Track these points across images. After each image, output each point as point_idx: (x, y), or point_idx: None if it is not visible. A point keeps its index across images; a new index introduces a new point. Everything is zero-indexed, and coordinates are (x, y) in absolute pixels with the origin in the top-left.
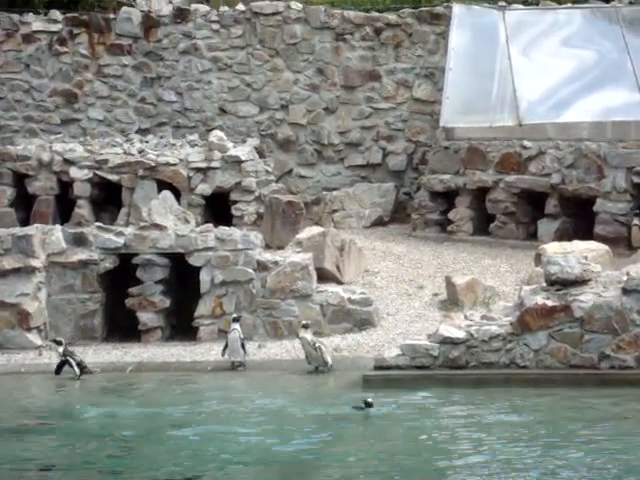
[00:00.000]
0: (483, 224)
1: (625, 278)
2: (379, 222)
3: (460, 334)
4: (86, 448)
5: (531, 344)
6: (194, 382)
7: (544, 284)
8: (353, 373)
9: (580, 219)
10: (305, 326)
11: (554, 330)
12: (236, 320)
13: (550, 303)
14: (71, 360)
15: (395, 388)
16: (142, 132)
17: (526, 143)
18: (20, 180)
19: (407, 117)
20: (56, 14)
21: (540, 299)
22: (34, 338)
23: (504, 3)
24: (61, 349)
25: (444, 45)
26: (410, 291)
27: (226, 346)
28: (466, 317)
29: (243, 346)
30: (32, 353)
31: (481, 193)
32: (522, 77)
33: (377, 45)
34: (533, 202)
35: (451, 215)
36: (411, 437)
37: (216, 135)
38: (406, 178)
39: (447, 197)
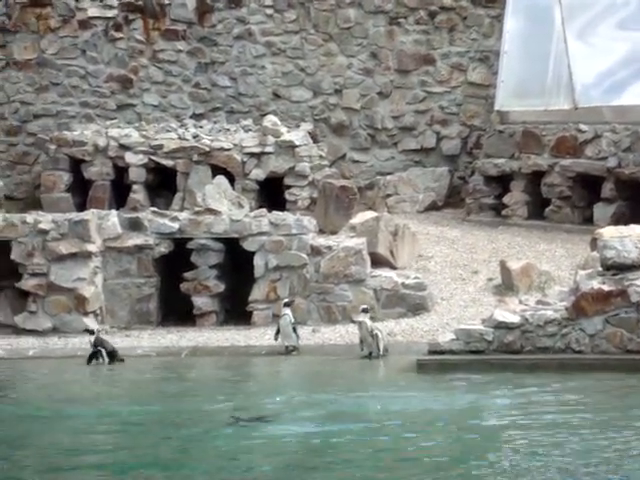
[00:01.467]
0: (538, 208)
1: None
2: (433, 207)
3: (515, 319)
4: None
5: (587, 329)
6: (246, 366)
7: (600, 269)
8: (407, 358)
9: (637, 203)
10: (365, 310)
11: (610, 315)
12: (287, 305)
13: (606, 288)
14: (102, 349)
15: (449, 372)
16: (196, 117)
17: (582, 126)
18: (76, 165)
19: (461, 101)
20: (112, 0)
21: (596, 284)
22: (90, 322)
23: None
24: (93, 338)
25: (499, 28)
26: (464, 276)
27: (278, 331)
28: (521, 302)
29: (295, 330)
30: (88, 337)
31: (536, 177)
32: (578, 60)
33: (431, 29)
34: (589, 186)
35: (506, 199)
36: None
37: (270, 120)
38: (460, 162)
39: (501, 181)
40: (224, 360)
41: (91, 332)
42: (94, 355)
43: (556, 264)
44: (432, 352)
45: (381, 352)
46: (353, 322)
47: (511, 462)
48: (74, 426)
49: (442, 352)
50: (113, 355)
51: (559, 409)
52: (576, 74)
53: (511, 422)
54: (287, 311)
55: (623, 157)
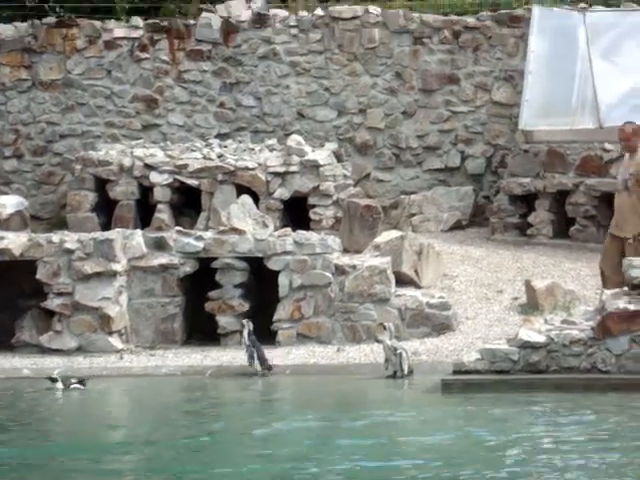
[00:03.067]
0: (563, 227)
1: None
2: (458, 226)
3: (540, 338)
4: None
5: (613, 349)
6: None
7: (626, 288)
8: (432, 378)
9: None
10: (384, 327)
11: (636, 335)
12: (247, 321)
13: (632, 307)
14: (75, 385)
15: (474, 392)
16: (221, 137)
17: (607, 146)
18: (102, 185)
19: (486, 120)
20: (137, 20)
21: (622, 303)
22: (115, 342)
23: (585, 5)
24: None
25: (523, 48)
26: (489, 295)
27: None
28: (546, 321)
29: (253, 350)
30: (113, 357)
31: (561, 196)
32: (603, 80)
33: (456, 48)
34: (614, 205)
35: (530, 218)
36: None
37: (294, 139)
38: (485, 181)
39: (526, 200)
40: (247, 380)
41: (53, 380)
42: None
43: (581, 283)
44: (457, 372)
45: (405, 372)
46: (377, 341)
47: None
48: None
49: (467, 372)
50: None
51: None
52: (601, 93)
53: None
54: (245, 329)
55: None
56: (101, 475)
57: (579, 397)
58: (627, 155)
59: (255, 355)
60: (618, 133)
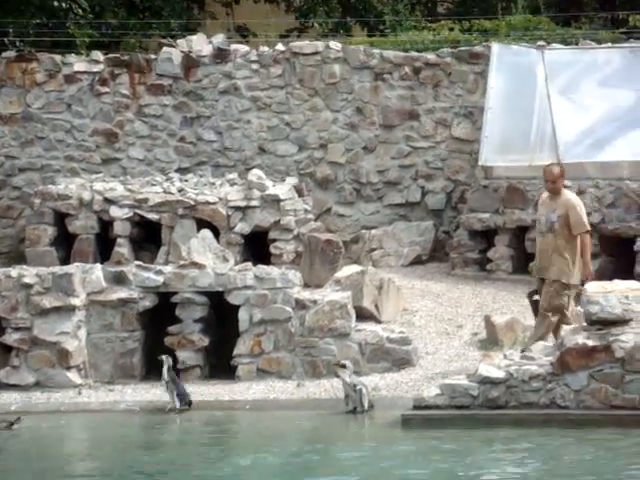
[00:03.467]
0: (522, 263)
1: None
2: (418, 261)
3: (500, 374)
4: None
5: (572, 384)
6: (230, 422)
7: (584, 324)
8: (392, 413)
9: (620, 258)
10: (343, 366)
11: (595, 370)
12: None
13: (591, 343)
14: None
15: (434, 428)
16: (182, 171)
17: (566, 182)
18: (61, 219)
19: (446, 156)
20: (98, 55)
21: (580, 339)
22: (74, 377)
23: (543, 43)
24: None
25: (483, 84)
26: (449, 330)
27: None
28: (505, 357)
29: (173, 386)
30: (72, 392)
31: (521, 232)
32: (561, 116)
33: (416, 84)
34: None
35: (490, 254)
36: None
37: (255, 174)
38: (445, 217)
39: (486, 236)
40: (207, 415)
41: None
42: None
43: None
44: (417, 407)
45: (365, 407)
46: (337, 376)
47: None
48: None
49: (427, 407)
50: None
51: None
52: (559, 130)
53: None
54: (165, 365)
55: (607, 213)
56: None
57: (536, 432)
58: (545, 195)
59: (175, 392)
60: (545, 174)
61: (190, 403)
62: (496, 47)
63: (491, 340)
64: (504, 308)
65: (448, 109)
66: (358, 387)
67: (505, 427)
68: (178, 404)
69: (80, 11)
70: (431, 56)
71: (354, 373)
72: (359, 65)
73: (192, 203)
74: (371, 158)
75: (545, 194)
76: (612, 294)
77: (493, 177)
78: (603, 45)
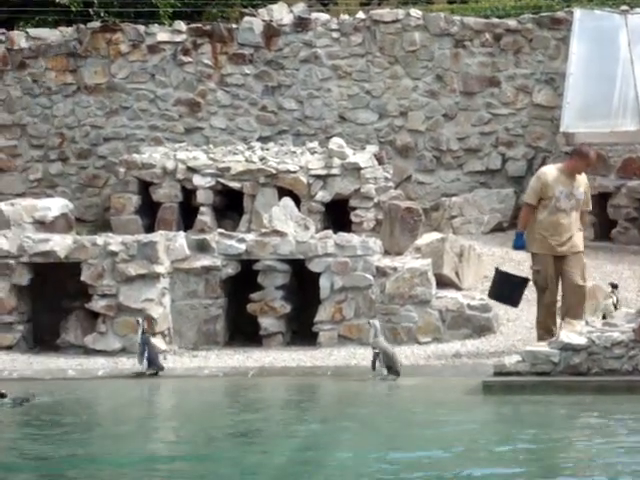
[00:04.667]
0: (605, 230)
1: None
2: (498, 228)
3: (581, 341)
4: None
5: None
6: (314, 388)
7: None
8: (473, 379)
9: None
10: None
11: None
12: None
13: None
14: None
15: (515, 394)
16: (263, 140)
17: None
18: (145, 188)
19: (527, 123)
20: (180, 25)
21: None
22: (159, 343)
23: (626, 7)
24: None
25: (565, 50)
26: (530, 297)
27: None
28: (587, 323)
29: (145, 351)
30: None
31: (603, 199)
32: None
33: (497, 51)
34: None
35: None
36: None
37: (336, 142)
38: (525, 184)
39: None
40: (288, 380)
41: (2, 395)
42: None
43: (623, 285)
44: (498, 374)
45: (380, 372)
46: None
47: None
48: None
49: (508, 374)
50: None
51: None
52: None
53: None
54: (140, 327)
55: None
56: None
57: (623, 399)
58: (556, 174)
59: (145, 355)
60: (591, 159)
61: (161, 369)
62: (578, 12)
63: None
64: (586, 274)
65: (529, 75)
66: (375, 350)
67: (586, 394)
68: (146, 368)
69: None
70: (512, 22)
71: (380, 336)
72: (439, 32)
73: (273, 172)
74: (451, 125)
75: (556, 172)
76: None
77: (575, 144)
78: None
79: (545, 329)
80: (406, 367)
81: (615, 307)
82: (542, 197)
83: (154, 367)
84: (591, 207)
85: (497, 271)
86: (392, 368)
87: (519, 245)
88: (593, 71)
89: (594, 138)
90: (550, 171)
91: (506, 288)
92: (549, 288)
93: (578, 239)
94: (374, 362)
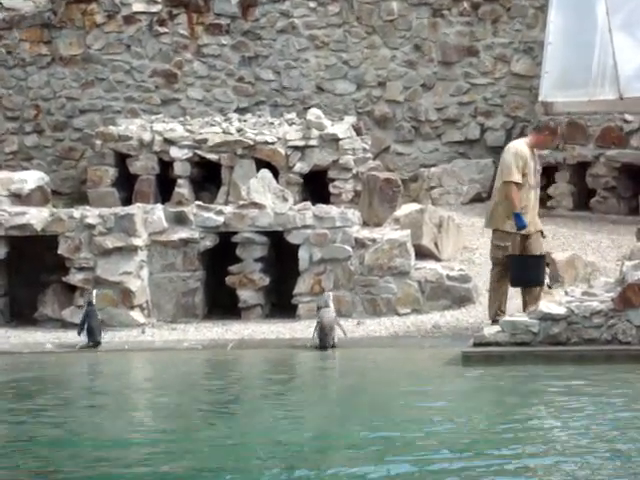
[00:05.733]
0: (583, 199)
1: None
2: (477, 198)
3: (561, 310)
4: None
5: (633, 320)
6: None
7: None
8: (452, 350)
9: None
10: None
11: None
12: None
13: None
14: None
15: (494, 365)
16: (240, 111)
17: (627, 117)
18: (122, 160)
19: (505, 92)
20: None
21: None
22: (137, 316)
23: None
24: None
25: (543, 19)
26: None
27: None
28: (566, 293)
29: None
30: (135, 331)
31: (581, 168)
32: (622, 50)
33: (475, 20)
34: (635, 176)
35: (550, 190)
36: None
37: (314, 113)
38: None
39: (546, 172)
40: (267, 352)
41: None
42: None
43: (602, 255)
44: (477, 344)
45: (314, 343)
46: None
47: None
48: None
49: (487, 344)
50: None
51: None
52: (621, 64)
53: None
54: (86, 298)
55: None
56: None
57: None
58: (527, 149)
59: (85, 327)
60: (556, 132)
61: (97, 343)
62: None
63: (552, 277)
64: (565, 245)
65: (507, 45)
66: (317, 320)
67: (566, 364)
68: (86, 340)
69: None
70: None
71: (328, 307)
72: (417, 1)
73: (251, 143)
74: (429, 95)
75: (526, 148)
76: None
77: (553, 113)
78: None
79: (499, 310)
80: (386, 338)
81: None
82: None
83: (92, 340)
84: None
85: (511, 257)
86: (322, 340)
87: (524, 224)
88: (571, 40)
89: (572, 107)
90: (523, 147)
91: (526, 271)
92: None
93: (536, 215)
94: (314, 331)
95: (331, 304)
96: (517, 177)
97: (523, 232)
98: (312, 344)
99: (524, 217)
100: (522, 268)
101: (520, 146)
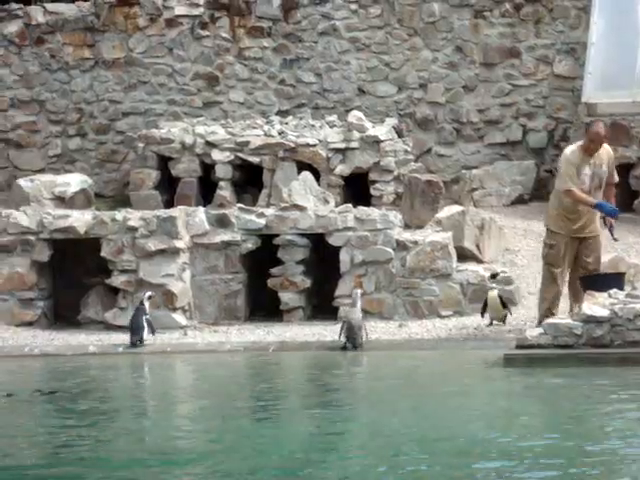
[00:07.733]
0: (627, 200)
1: None
2: (519, 200)
3: (604, 313)
4: None
5: None
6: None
7: None
8: (494, 352)
9: None
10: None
11: None
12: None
13: None
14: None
15: (537, 367)
16: (282, 114)
17: None
18: (164, 163)
19: (548, 94)
20: None
21: None
22: (179, 318)
23: None
24: None
25: (586, 20)
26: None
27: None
28: (610, 295)
29: (144, 324)
30: (177, 333)
31: (625, 169)
32: None
33: (517, 21)
34: None
35: None
36: None
37: (355, 115)
38: (547, 155)
39: None
40: (311, 355)
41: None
42: None
43: None
44: (520, 346)
45: (344, 344)
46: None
47: None
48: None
49: (530, 346)
50: None
51: None
52: None
53: None
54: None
55: None
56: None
57: None
58: (577, 154)
59: (132, 328)
60: (599, 135)
61: (138, 342)
62: None
63: None
64: (608, 246)
65: (550, 46)
66: (343, 319)
67: (610, 366)
68: (129, 340)
69: None
70: None
71: (355, 307)
72: (458, 3)
73: (292, 145)
74: (471, 97)
75: (579, 153)
76: None
77: (596, 114)
78: None
79: (549, 311)
80: (428, 341)
81: (502, 301)
82: None
83: (133, 339)
84: (617, 179)
85: (591, 278)
86: (349, 339)
87: (609, 210)
88: (614, 41)
89: (616, 108)
90: (574, 152)
91: (607, 287)
92: (560, 267)
93: (595, 221)
94: (340, 330)
95: (359, 303)
96: (569, 184)
97: (577, 235)
98: (337, 344)
99: (605, 203)
100: (602, 286)
101: (571, 152)
